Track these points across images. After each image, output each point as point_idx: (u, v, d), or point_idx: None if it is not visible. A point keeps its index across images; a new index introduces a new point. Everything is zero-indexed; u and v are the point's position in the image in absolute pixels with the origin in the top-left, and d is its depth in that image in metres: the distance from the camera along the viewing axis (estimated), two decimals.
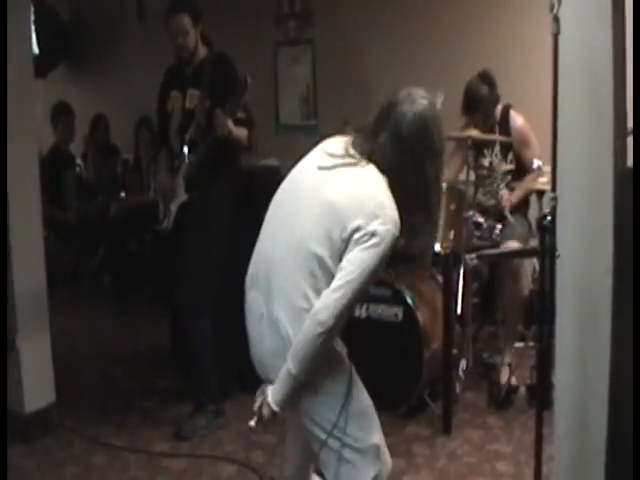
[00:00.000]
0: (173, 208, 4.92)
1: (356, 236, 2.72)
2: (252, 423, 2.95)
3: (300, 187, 2.97)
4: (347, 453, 2.92)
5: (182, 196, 4.89)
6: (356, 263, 2.72)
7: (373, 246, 2.72)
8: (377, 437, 3.03)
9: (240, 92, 4.53)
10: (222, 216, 4.86)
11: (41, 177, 7.41)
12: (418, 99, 2.95)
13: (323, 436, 2.90)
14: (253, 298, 2.98)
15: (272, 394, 2.83)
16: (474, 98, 5.39)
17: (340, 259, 2.76)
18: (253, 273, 3.02)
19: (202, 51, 4.87)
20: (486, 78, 5.44)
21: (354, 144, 2.94)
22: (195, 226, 4.82)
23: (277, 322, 2.83)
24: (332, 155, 2.93)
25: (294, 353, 2.76)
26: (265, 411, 2.87)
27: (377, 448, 3.01)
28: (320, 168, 2.92)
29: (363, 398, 3.02)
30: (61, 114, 8.06)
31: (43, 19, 8.86)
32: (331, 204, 2.79)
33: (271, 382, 2.87)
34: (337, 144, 2.98)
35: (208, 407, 4.91)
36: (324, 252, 2.76)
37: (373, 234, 2.71)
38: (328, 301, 2.73)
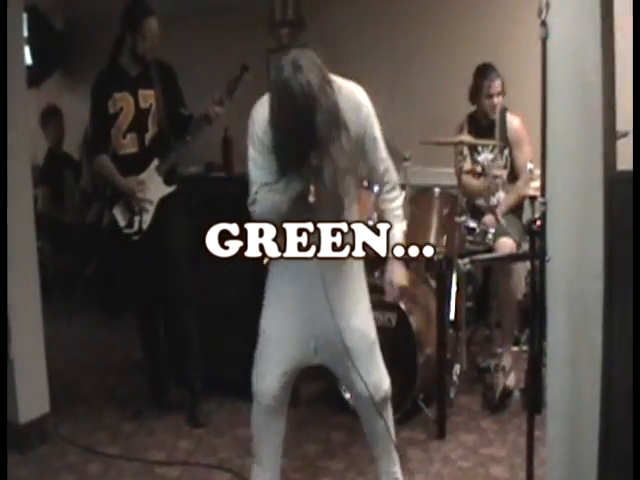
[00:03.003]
0: (150, 207, 4.97)
1: None
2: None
3: None
4: None
5: (162, 190, 5.00)
6: None
7: None
8: None
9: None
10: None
11: (42, 180, 7.59)
12: None
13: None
14: None
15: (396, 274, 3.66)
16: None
17: None
18: None
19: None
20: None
21: None
22: (182, 215, 5.10)
23: None
24: None
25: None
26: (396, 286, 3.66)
27: None
28: None
29: None
30: (50, 117, 8.17)
31: (36, 29, 8.86)
32: None
33: None
34: None
35: (200, 391, 5.18)
36: None
37: None
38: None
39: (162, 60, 5.06)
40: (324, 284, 3.40)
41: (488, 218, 5.47)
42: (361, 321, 3.61)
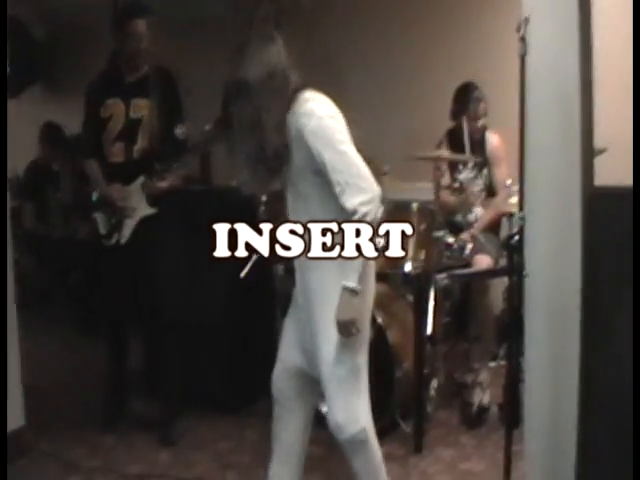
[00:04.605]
0: (130, 222, 4.87)
1: None
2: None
3: None
4: None
5: (144, 209, 4.87)
6: None
7: None
8: None
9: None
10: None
11: (24, 194, 7.76)
12: None
13: None
14: None
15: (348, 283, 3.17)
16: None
17: None
18: None
19: (145, 61, 4.88)
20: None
21: None
22: (168, 239, 4.97)
23: None
24: None
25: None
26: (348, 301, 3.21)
27: None
28: None
29: None
30: (50, 135, 8.18)
31: (15, 39, 8.84)
32: None
33: None
34: None
35: (174, 409, 5.10)
36: None
37: None
38: None
39: (163, 66, 4.94)
40: (303, 293, 3.46)
41: (465, 234, 5.50)
42: (332, 347, 3.31)
